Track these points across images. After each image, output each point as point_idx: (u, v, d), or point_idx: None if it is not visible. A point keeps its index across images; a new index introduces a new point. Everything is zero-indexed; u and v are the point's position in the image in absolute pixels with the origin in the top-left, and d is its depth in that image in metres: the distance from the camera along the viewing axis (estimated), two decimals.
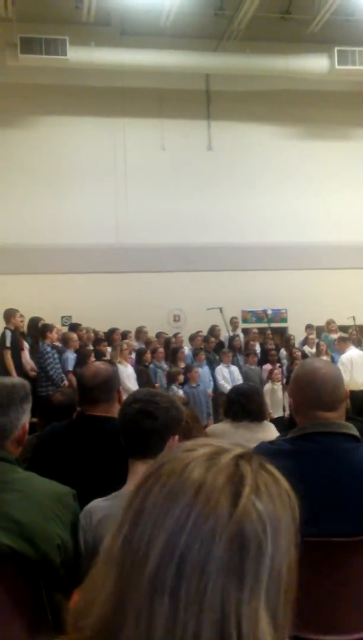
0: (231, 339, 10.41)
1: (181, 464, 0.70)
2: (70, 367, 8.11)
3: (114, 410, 2.52)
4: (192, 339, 10.03)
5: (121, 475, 1.97)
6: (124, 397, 2.31)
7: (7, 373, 7.40)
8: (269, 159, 12.54)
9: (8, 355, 7.76)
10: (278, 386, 8.76)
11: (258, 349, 10.34)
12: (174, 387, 8.37)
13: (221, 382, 9.20)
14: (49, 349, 7.94)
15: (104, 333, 9.60)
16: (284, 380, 8.54)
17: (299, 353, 9.88)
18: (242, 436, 3.53)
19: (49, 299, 10.63)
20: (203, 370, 9.11)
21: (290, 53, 11.45)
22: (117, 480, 1.97)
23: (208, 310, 10.37)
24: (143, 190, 12.11)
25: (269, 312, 11.75)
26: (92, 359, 7.80)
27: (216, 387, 9.20)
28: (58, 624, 1.79)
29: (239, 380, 9.02)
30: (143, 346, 9.40)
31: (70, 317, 10.96)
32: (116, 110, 12.00)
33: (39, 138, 11.81)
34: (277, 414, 8.26)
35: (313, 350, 10.15)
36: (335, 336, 10.32)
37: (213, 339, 10.27)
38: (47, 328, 8.23)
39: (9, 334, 7.91)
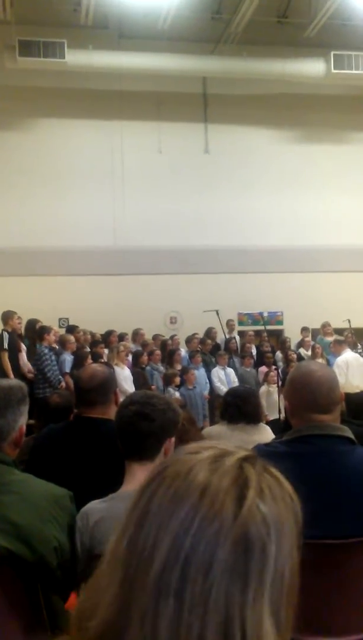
0: (228, 341, 10.43)
1: (186, 466, 0.70)
2: (67, 369, 8.11)
3: (111, 412, 2.53)
4: (188, 341, 10.04)
5: (118, 477, 1.98)
6: (121, 399, 2.32)
7: (4, 375, 7.40)
8: (266, 162, 12.57)
9: (5, 357, 7.75)
10: (274, 388, 8.77)
11: (254, 351, 10.36)
12: (170, 389, 8.37)
13: (217, 384, 9.21)
14: (46, 350, 7.94)
15: (101, 335, 9.60)
16: (280, 383, 8.55)
17: (295, 355, 9.89)
18: (238, 438, 3.54)
19: (46, 301, 10.63)
20: (199, 373, 9.12)
21: (287, 57, 11.48)
22: (114, 482, 1.98)
23: (205, 313, 10.39)
24: (141, 192, 12.13)
25: (265, 314, 11.77)
26: (89, 361, 7.81)
27: (212, 390, 9.21)
28: (55, 626, 1.80)
29: (235, 382, 9.03)
30: (140, 348, 9.41)
31: (67, 319, 10.96)
32: (114, 113, 12.02)
33: (37, 140, 11.82)
34: (273, 416, 8.27)
35: (309, 352, 10.16)
36: (330, 339, 10.33)
37: (209, 341, 10.28)
38: (45, 330, 8.23)
39: (6, 336, 7.91)
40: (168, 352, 9.40)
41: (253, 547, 0.66)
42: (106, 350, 8.87)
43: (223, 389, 8.49)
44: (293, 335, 11.20)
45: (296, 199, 12.60)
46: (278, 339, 11.38)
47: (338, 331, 10.58)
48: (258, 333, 11.05)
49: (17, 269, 11.26)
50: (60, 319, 11.03)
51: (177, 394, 8.12)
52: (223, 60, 11.54)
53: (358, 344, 10.13)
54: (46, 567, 1.83)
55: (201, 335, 10.32)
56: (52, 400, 3.89)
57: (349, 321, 10.50)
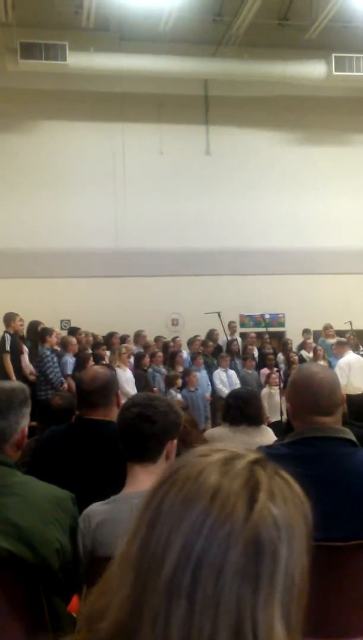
0: (229, 343, 10.43)
1: (197, 469, 0.71)
2: (69, 371, 8.12)
3: (113, 414, 2.53)
4: (190, 343, 10.04)
5: (120, 479, 1.98)
6: (123, 401, 2.32)
7: (6, 377, 7.40)
8: (267, 164, 12.58)
9: (7, 359, 7.77)
10: (276, 390, 8.77)
11: (255, 353, 10.36)
12: (172, 391, 8.37)
13: (219, 386, 9.21)
14: (48, 352, 7.95)
15: (103, 337, 9.60)
16: (281, 385, 8.55)
17: (296, 357, 9.89)
18: (240, 440, 3.54)
19: (48, 303, 10.64)
20: (201, 375, 9.12)
21: (288, 59, 11.49)
22: (116, 484, 1.98)
23: (206, 315, 10.39)
24: (142, 194, 12.14)
25: (267, 316, 11.77)
26: (91, 362, 7.82)
27: (214, 391, 9.21)
28: (57, 628, 1.80)
29: (236, 384, 9.03)
30: (142, 350, 9.41)
31: (69, 321, 10.97)
32: (115, 115, 12.04)
33: (38, 143, 11.85)
34: (274, 418, 8.27)
35: (311, 354, 10.16)
36: (332, 341, 10.34)
37: (211, 343, 10.28)
38: (47, 332, 8.24)
39: (8, 338, 7.92)
40: (170, 354, 9.40)
41: (264, 550, 0.66)
42: (107, 352, 8.87)
43: (224, 390, 8.49)
44: (294, 337, 11.20)
45: (297, 200, 12.61)
46: (279, 340, 11.37)
47: (340, 333, 10.59)
48: (259, 335, 11.04)
49: (19, 271, 11.27)
50: (62, 321, 11.05)
51: (179, 396, 8.13)
52: (224, 63, 11.56)
53: (360, 346, 10.13)
54: (48, 569, 1.83)
55: (202, 337, 10.32)
56: (54, 402, 3.89)
57: (351, 323, 10.50)
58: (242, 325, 12.10)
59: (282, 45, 11.80)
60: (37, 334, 8.48)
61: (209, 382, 9.26)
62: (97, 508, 1.95)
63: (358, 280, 12.42)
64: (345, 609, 1.89)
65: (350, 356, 9.07)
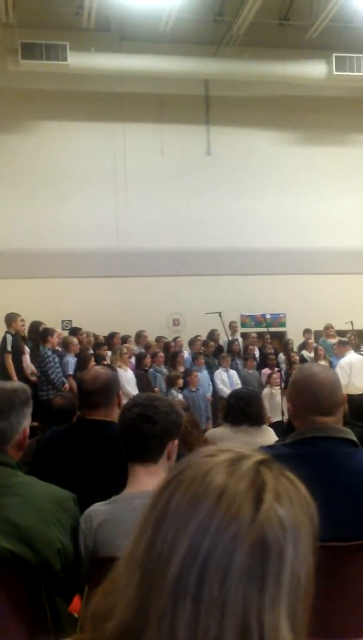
0: (230, 343, 10.43)
1: (203, 469, 0.71)
2: (70, 371, 8.11)
3: (114, 415, 2.53)
4: (191, 343, 10.04)
5: (121, 479, 1.99)
6: (124, 401, 2.32)
7: (7, 377, 7.42)
8: (267, 164, 12.58)
9: (9, 359, 7.77)
10: (277, 390, 8.77)
11: (256, 353, 10.35)
12: (173, 391, 8.37)
13: (220, 386, 9.21)
14: (50, 353, 7.95)
15: (104, 337, 9.60)
16: (282, 385, 8.55)
17: (297, 357, 9.89)
18: (241, 440, 3.54)
19: (49, 303, 10.65)
20: (202, 375, 9.12)
21: (289, 59, 11.49)
22: (117, 484, 1.98)
23: (207, 315, 10.39)
24: (143, 194, 12.15)
25: (268, 316, 11.78)
26: (93, 363, 7.82)
27: (215, 392, 9.21)
28: (58, 628, 1.80)
29: (238, 384, 9.03)
30: (143, 350, 9.41)
31: (70, 321, 10.98)
32: (116, 115, 12.04)
33: (39, 143, 11.85)
34: (276, 418, 8.26)
35: (312, 354, 10.16)
36: (333, 341, 10.33)
37: (212, 343, 10.28)
38: (48, 332, 8.24)
39: (10, 338, 7.92)
40: (171, 354, 9.40)
41: (271, 551, 0.66)
42: (109, 353, 8.88)
43: (226, 391, 8.49)
44: (295, 337, 11.20)
45: (298, 200, 12.61)
46: (280, 341, 11.37)
47: (341, 333, 10.58)
48: (260, 335, 11.04)
49: (20, 271, 11.28)
50: (63, 321, 11.06)
51: (180, 396, 8.13)
52: (225, 63, 11.56)
53: (361, 346, 10.12)
54: (49, 570, 1.83)
55: (204, 337, 10.32)
56: (56, 402, 3.90)
57: (352, 323, 10.50)
58: (243, 325, 12.10)
59: (283, 45, 11.80)
60: (39, 334, 8.48)
61: (210, 382, 9.26)
62: (98, 508, 1.95)
63: (359, 280, 12.41)
64: (345, 609, 1.89)
65: (351, 356, 9.07)
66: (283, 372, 9.20)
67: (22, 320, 8.44)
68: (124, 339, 9.61)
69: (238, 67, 11.53)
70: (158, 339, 10.27)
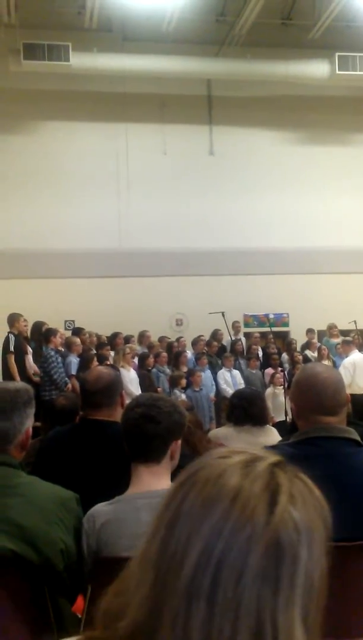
0: (233, 343, 10.42)
1: (217, 470, 0.71)
2: (73, 372, 8.11)
3: (117, 415, 2.53)
4: (194, 343, 10.04)
5: (124, 479, 1.98)
6: (127, 401, 2.32)
7: (10, 377, 7.43)
8: (270, 164, 12.57)
9: (12, 360, 7.78)
10: (280, 390, 8.76)
11: (260, 353, 10.35)
12: (176, 391, 8.37)
13: (223, 386, 9.21)
14: (52, 353, 7.95)
15: (107, 337, 9.60)
16: (286, 385, 8.54)
17: (301, 357, 9.88)
18: (244, 440, 3.54)
19: (52, 304, 10.66)
20: (206, 375, 9.12)
21: (291, 59, 11.49)
22: (120, 484, 1.98)
23: (210, 315, 10.39)
24: (145, 194, 12.15)
25: (271, 316, 11.76)
26: (95, 363, 7.82)
27: (218, 392, 9.21)
28: (61, 628, 1.80)
29: (241, 384, 9.02)
30: (146, 350, 9.41)
31: (73, 321, 10.99)
32: (118, 116, 12.05)
33: (41, 143, 11.87)
34: (279, 418, 8.25)
35: (315, 354, 10.15)
36: (336, 340, 10.32)
37: (215, 343, 10.28)
38: (51, 332, 8.25)
39: (12, 339, 7.93)
40: (174, 354, 9.40)
41: (285, 553, 0.66)
42: (112, 353, 8.88)
43: (229, 390, 8.49)
44: (298, 337, 11.18)
45: (301, 200, 12.60)
46: (284, 340, 11.37)
47: (344, 333, 10.57)
48: (264, 335, 11.04)
49: (23, 272, 11.30)
50: (66, 322, 11.07)
51: (183, 396, 8.12)
52: (227, 63, 11.56)
53: None
54: (52, 570, 1.83)
55: (207, 337, 10.32)
56: (58, 402, 3.90)
57: (355, 323, 10.48)
58: (246, 325, 12.10)
59: (285, 45, 11.80)
60: (42, 335, 8.49)
61: (213, 382, 9.26)
62: (101, 508, 1.95)
63: (362, 279, 12.40)
64: (348, 609, 1.89)
65: (355, 355, 9.06)
66: (286, 372, 9.19)
67: (25, 320, 8.44)
68: (127, 339, 9.61)
69: (240, 67, 11.53)
70: (161, 339, 10.28)
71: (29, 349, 8.31)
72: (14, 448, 1.98)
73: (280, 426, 5.81)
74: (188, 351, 9.71)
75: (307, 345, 10.68)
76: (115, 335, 9.56)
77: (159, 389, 8.40)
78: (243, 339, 10.97)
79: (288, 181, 12.61)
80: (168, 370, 9.07)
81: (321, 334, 11.11)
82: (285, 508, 0.67)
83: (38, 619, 1.79)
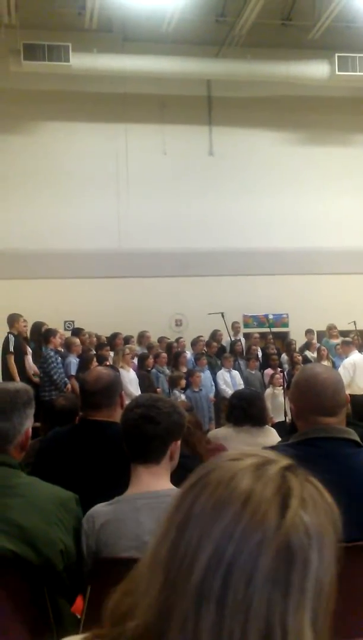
0: (233, 343, 10.42)
1: (229, 473, 0.71)
2: (72, 372, 8.11)
3: (116, 415, 2.53)
4: (194, 343, 10.04)
5: (124, 480, 1.98)
6: (127, 402, 2.32)
7: (10, 378, 7.42)
8: (270, 164, 12.57)
9: (12, 360, 7.77)
10: (279, 391, 8.76)
11: (259, 353, 10.35)
12: (176, 391, 8.37)
13: (223, 386, 9.21)
14: (52, 353, 7.95)
15: (107, 338, 9.60)
16: (285, 385, 8.54)
17: (300, 358, 9.88)
18: (243, 441, 3.54)
19: (51, 304, 10.66)
20: (205, 375, 9.12)
21: (291, 59, 11.50)
22: (120, 484, 1.98)
23: (210, 315, 10.39)
24: (145, 195, 12.15)
25: (270, 317, 11.77)
26: (95, 363, 7.81)
27: (217, 392, 9.21)
28: (61, 629, 1.80)
29: (240, 384, 9.02)
30: (145, 351, 9.41)
31: (72, 321, 10.99)
32: (118, 116, 12.06)
33: (41, 143, 11.87)
34: (278, 418, 8.25)
35: (315, 355, 10.15)
36: (336, 341, 10.32)
37: (214, 344, 10.28)
38: (51, 333, 8.25)
39: (12, 339, 7.93)
40: (174, 355, 9.39)
41: (296, 557, 0.66)
42: (111, 353, 8.87)
43: (228, 391, 8.49)
44: (298, 337, 11.18)
45: (301, 201, 12.60)
46: (283, 341, 11.37)
47: (344, 333, 10.58)
48: (263, 335, 11.04)
49: (23, 272, 11.30)
50: (65, 322, 11.07)
51: (183, 397, 8.12)
52: (227, 63, 11.56)
53: None
54: (52, 570, 1.83)
55: (206, 337, 10.32)
56: (58, 403, 3.90)
57: (355, 323, 10.49)
58: (246, 325, 12.10)
59: (285, 46, 11.81)
60: (41, 335, 8.49)
61: (213, 383, 9.26)
62: (101, 509, 1.95)
63: (361, 280, 12.40)
64: (347, 610, 1.89)
65: (355, 356, 9.06)
66: (285, 373, 9.19)
67: (25, 321, 8.44)
68: (127, 340, 9.61)
69: (240, 68, 11.53)
70: (161, 340, 10.28)
71: (29, 350, 8.31)
72: (14, 448, 1.98)
73: (279, 427, 5.81)
74: (187, 352, 9.71)
75: (307, 346, 10.68)
76: (115, 335, 9.55)
77: (158, 389, 8.39)
78: (243, 340, 10.97)
79: (288, 181, 12.62)
80: (167, 371, 9.07)
81: (320, 335, 11.11)
82: (296, 512, 0.68)
83: (37, 619, 1.79)
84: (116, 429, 2.16)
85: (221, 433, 3.84)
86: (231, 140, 12.52)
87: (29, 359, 8.18)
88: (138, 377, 8.39)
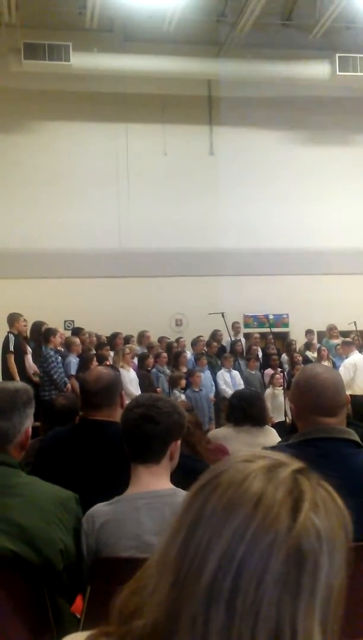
0: (233, 343, 10.42)
1: (241, 474, 0.70)
2: (72, 372, 8.11)
3: (116, 415, 2.53)
4: (194, 343, 10.04)
5: (123, 479, 1.98)
6: (127, 401, 2.32)
7: (10, 377, 7.42)
8: (271, 164, 12.57)
9: (12, 360, 7.78)
10: (279, 391, 8.76)
11: (259, 353, 10.35)
12: (176, 391, 8.37)
13: (223, 386, 9.21)
14: (52, 353, 7.95)
15: (107, 337, 9.60)
16: (285, 385, 8.54)
17: (300, 358, 9.88)
18: (243, 441, 3.54)
19: (51, 304, 10.65)
20: (205, 375, 9.12)
21: (292, 59, 11.50)
22: (120, 484, 1.98)
23: (210, 315, 10.39)
24: (145, 195, 12.15)
25: (271, 317, 11.77)
26: (95, 363, 7.81)
27: (217, 392, 9.21)
28: (60, 629, 1.80)
29: (240, 385, 9.03)
30: (145, 351, 9.41)
31: (73, 321, 10.99)
32: (119, 116, 12.06)
33: (42, 143, 11.87)
34: (278, 418, 8.25)
35: (315, 355, 10.15)
36: (336, 341, 10.33)
37: (215, 344, 10.28)
38: (51, 332, 8.25)
39: (12, 338, 7.93)
40: (174, 355, 9.40)
41: (306, 561, 0.66)
42: (111, 353, 8.87)
43: (228, 391, 8.49)
44: (298, 337, 11.18)
45: (301, 201, 12.60)
46: (284, 341, 11.37)
47: (344, 334, 10.58)
48: (263, 335, 11.04)
49: (23, 271, 11.30)
50: (65, 322, 11.07)
51: (183, 397, 8.12)
52: (228, 63, 11.56)
53: None
54: (52, 570, 1.83)
55: (206, 337, 10.32)
56: (58, 402, 3.90)
57: (355, 324, 10.49)
58: (246, 325, 12.10)
59: (286, 46, 11.81)
60: (41, 335, 8.49)
61: (213, 383, 9.26)
62: (101, 508, 1.95)
63: (362, 280, 12.40)
64: (348, 610, 1.89)
65: (355, 356, 9.06)
66: (285, 373, 9.20)
67: (25, 320, 8.44)
68: (127, 340, 9.61)
69: (241, 68, 11.53)
70: (161, 340, 10.28)
71: (29, 349, 8.31)
72: (14, 448, 1.98)
73: (279, 427, 5.81)
74: (187, 352, 9.71)
75: (307, 346, 10.68)
76: (115, 335, 9.55)
77: (158, 389, 8.40)
78: (243, 340, 10.97)
79: (288, 181, 12.61)
80: (167, 371, 9.07)
81: (321, 335, 11.11)
82: (307, 515, 0.67)
83: (37, 619, 1.79)
84: (116, 429, 2.16)
85: (221, 433, 3.84)
86: (231, 140, 12.52)
87: (29, 358, 8.18)
88: (138, 377, 8.39)
